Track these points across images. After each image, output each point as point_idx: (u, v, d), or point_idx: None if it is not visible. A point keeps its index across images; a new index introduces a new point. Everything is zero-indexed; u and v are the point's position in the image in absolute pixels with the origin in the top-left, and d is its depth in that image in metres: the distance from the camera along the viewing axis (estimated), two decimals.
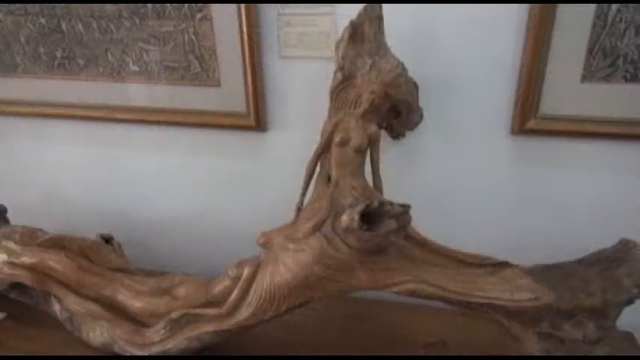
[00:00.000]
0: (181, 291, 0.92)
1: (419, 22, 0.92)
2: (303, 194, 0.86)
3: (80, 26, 1.06)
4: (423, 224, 0.82)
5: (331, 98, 0.85)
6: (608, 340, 0.77)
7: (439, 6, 0.91)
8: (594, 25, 0.85)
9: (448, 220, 1.03)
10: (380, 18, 0.83)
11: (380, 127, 0.87)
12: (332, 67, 0.85)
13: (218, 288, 0.89)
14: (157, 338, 0.89)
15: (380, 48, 0.84)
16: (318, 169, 0.87)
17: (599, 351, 0.77)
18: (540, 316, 0.77)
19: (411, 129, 0.93)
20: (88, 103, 1.14)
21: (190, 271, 0.98)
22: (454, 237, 0.83)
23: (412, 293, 0.79)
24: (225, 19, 0.98)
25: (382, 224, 0.74)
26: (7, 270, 0.95)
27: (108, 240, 1.01)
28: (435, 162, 1.04)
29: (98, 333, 0.93)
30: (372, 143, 0.84)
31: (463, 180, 1.03)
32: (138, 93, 1.11)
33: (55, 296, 0.95)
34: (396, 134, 0.94)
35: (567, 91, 0.90)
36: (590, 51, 0.87)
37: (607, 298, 0.75)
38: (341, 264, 0.79)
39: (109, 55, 1.08)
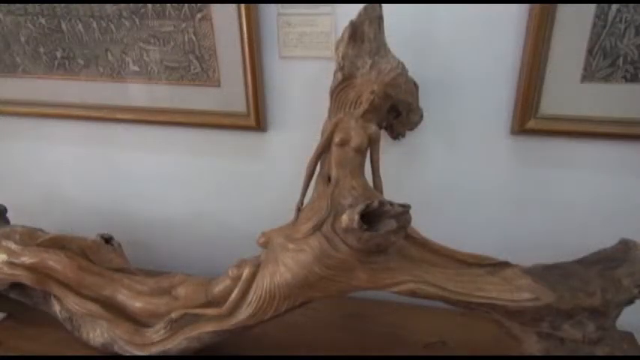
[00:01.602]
0: (181, 291, 0.92)
1: (419, 22, 0.92)
2: (303, 194, 0.86)
3: (80, 26, 1.06)
4: (423, 224, 0.82)
5: (331, 98, 0.85)
6: (608, 340, 0.77)
7: (439, 6, 0.91)
8: (594, 25, 0.85)
9: (448, 220, 1.03)
10: (380, 18, 0.83)
11: (380, 127, 0.87)
12: (332, 67, 0.85)
13: (218, 288, 0.89)
14: (157, 338, 0.90)
15: (380, 48, 0.84)
16: (318, 169, 0.87)
17: (599, 351, 0.77)
18: (540, 316, 0.77)
19: (411, 129, 0.93)
20: (88, 103, 1.14)
21: (190, 271, 0.98)
22: (454, 237, 0.84)
23: (412, 293, 0.79)
24: (225, 19, 0.98)
25: (382, 224, 0.75)
26: (7, 270, 0.95)
27: (108, 240, 1.01)
28: (435, 162, 1.04)
29: (98, 333, 0.93)
30: (372, 143, 0.84)
31: (463, 180, 1.03)
32: (138, 93, 1.11)
33: (55, 296, 0.95)
34: (396, 134, 0.94)
35: (567, 91, 0.90)
36: (590, 51, 0.87)
37: (607, 298, 0.75)
38: (341, 264, 0.79)
39: (109, 55, 1.08)
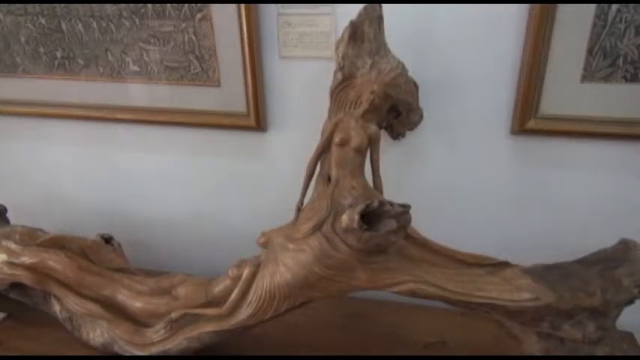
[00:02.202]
0: (181, 291, 0.92)
1: (419, 22, 0.92)
2: (303, 194, 0.86)
3: (80, 26, 1.06)
4: (423, 224, 0.82)
5: (331, 98, 0.85)
6: (608, 340, 0.77)
7: (439, 6, 0.91)
8: (594, 25, 0.85)
9: (448, 220, 1.03)
10: (380, 18, 0.83)
11: (380, 127, 0.87)
12: (332, 67, 0.85)
13: (218, 288, 0.89)
14: (157, 338, 0.90)
15: (380, 48, 0.84)
16: (318, 169, 0.87)
17: (599, 351, 0.77)
18: (540, 316, 0.77)
19: (411, 129, 0.93)
20: (88, 103, 1.14)
21: (190, 271, 0.98)
22: (454, 237, 0.83)
23: (412, 293, 0.79)
24: (225, 19, 0.98)
25: (382, 224, 0.74)
26: (7, 270, 0.95)
27: (108, 240, 1.01)
28: (435, 162, 1.04)
29: (98, 333, 0.93)
30: (372, 143, 0.84)
31: (463, 180, 1.03)
32: (138, 93, 1.11)
33: (55, 296, 0.95)
34: (396, 134, 0.94)
35: (567, 91, 0.90)
36: (590, 51, 0.87)
37: (607, 298, 0.75)
38: (341, 264, 0.79)
39: (109, 55, 1.08)
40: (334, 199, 0.81)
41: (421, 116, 0.92)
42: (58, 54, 1.11)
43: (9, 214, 1.10)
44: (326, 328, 1.02)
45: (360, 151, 0.82)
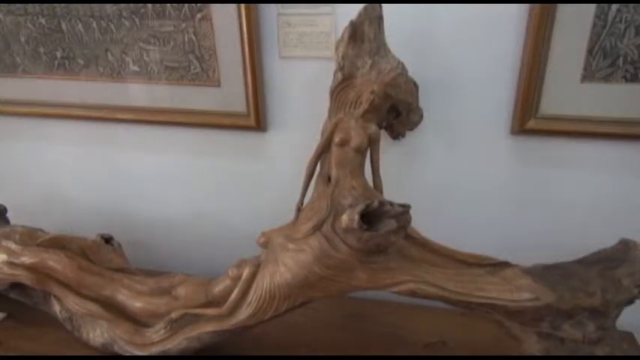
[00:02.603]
0: (181, 291, 0.92)
1: (419, 22, 0.92)
2: (303, 194, 0.86)
3: (80, 26, 1.06)
4: (423, 224, 0.82)
5: (331, 98, 0.85)
6: (608, 340, 0.77)
7: (439, 6, 0.91)
8: (594, 25, 0.85)
9: (448, 220, 1.03)
10: (380, 18, 0.83)
11: (380, 127, 0.87)
12: (332, 67, 0.85)
13: (218, 288, 0.89)
14: (157, 338, 0.90)
15: (380, 48, 0.84)
16: (318, 169, 0.87)
17: (599, 351, 0.77)
18: (540, 316, 0.77)
19: (411, 129, 0.93)
20: (88, 103, 1.14)
21: (190, 271, 0.98)
22: (454, 237, 0.83)
23: (412, 293, 0.79)
24: (225, 19, 0.98)
25: (382, 224, 0.75)
26: (7, 270, 0.95)
27: (108, 240, 1.01)
28: (435, 162, 1.04)
29: (98, 333, 0.93)
30: (372, 143, 0.84)
31: (463, 180, 1.03)
32: (138, 93, 1.11)
33: (55, 296, 0.95)
34: (396, 134, 0.94)
35: (567, 91, 0.90)
36: (590, 51, 0.87)
37: (607, 298, 0.75)
38: (341, 264, 0.79)
39: (109, 55, 1.08)
40: (334, 199, 0.81)
41: (421, 116, 0.92)
42: (58, 54, 1.11)
43: (9, 214, 1.10)
44: (326, 328, 1.02)
45: (360, 151, 0.82)
